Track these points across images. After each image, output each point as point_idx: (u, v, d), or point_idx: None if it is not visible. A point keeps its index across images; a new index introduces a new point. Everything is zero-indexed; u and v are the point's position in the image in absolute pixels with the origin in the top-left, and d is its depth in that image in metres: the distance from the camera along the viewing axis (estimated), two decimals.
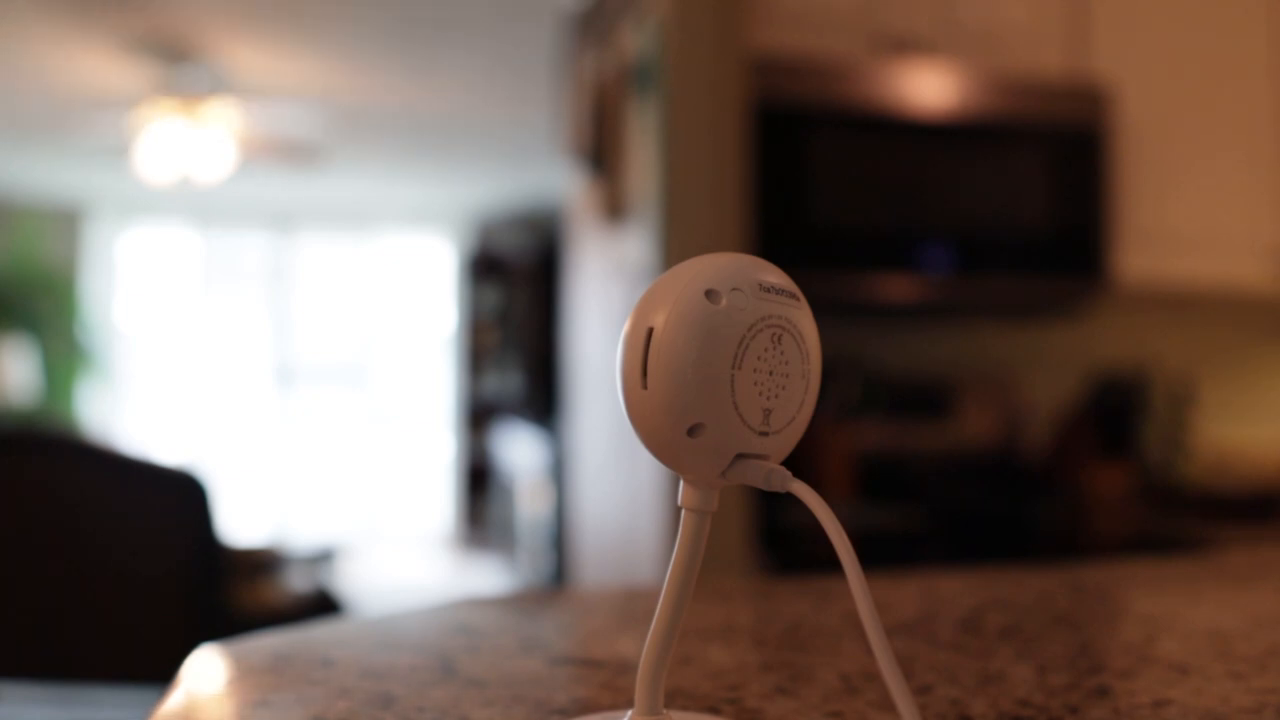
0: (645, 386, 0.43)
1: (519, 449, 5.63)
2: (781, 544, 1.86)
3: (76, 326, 6.18)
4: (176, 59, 3.90)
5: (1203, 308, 2.61)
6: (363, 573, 5.81)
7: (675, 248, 1.81)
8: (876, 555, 1.60)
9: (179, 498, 2.23)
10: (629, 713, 0.48)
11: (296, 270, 7.03)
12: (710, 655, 0.68)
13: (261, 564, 3.11)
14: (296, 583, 3.11)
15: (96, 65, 4.04)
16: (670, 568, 0.47)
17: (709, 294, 0.42)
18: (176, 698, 0.57)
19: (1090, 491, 2.27)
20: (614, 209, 2.13)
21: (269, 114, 4.22)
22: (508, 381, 6.61)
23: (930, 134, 2.04)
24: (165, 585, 2.22)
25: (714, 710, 0.56)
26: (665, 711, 0.48)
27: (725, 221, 1.82)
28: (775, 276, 0.44)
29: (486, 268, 6.90)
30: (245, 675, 0.62)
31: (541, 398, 5.85)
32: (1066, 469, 2.32)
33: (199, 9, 3.52)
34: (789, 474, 0.44)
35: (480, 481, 6.83)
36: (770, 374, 0.43)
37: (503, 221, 6.91)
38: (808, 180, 1.95)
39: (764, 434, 0.44)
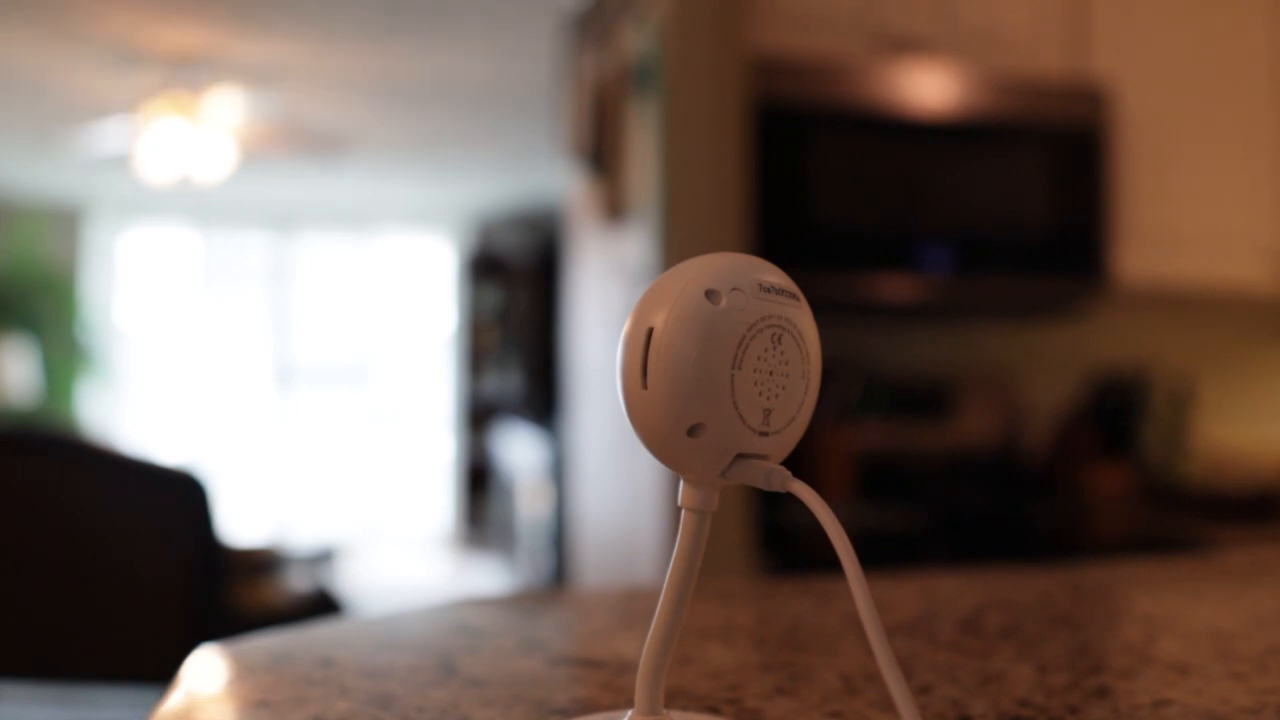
0: (645, 386, 0.43)
1: (519, 449, 5.63)
2: (781, 544, 1.86)
3: (76, 326, 6.18)
4: (176, 59, 3.90)
5: (1203, 308, 2.61)
6: (363, 573, 5.81)
7: (675, 248, 1.81)
8: (876, 555, 1.60)
9: (179, 498, 2.23)
10: (629, 713, 0.48)
11: (296, 270, 7.03)
12: (710, 655, 0.68)
13: (261, 564, 3.11)
14: (296, 583, 3.11)
15: (96, 65, 4.04)
16: (670, 568, 0.47)
17: (709, 294, 0.42)
18: (176, 698, 0.57)
19: (1090, 491, 2.27)
20: (614, 209, 2.13)
21: (269, 114, 4.23)
22: (508, 381, 6.61)
23: (930, 134, 2.04)
24: (165, 585, 2.22)
25: (714, 710, 0.56)
26: (665, 711, 0.48)
27: (725, 221, 1.82)
28: (775, 276, 0.44)
29: (486, 268, 6.90)
30: (245, 675, 0.62)
31: (541, 398, 5.85)
32: (1066, 469, 2.32)
33: (200, 9, 3.52)
34: (789, 474, 0.44)
35: (480, 481, 6.83)
36: (770, 374, 0.43)
37: (503, 221, 6.91)
38: (808, 180, 1.95)
39: (764, 434, 0.44)
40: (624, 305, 2.07)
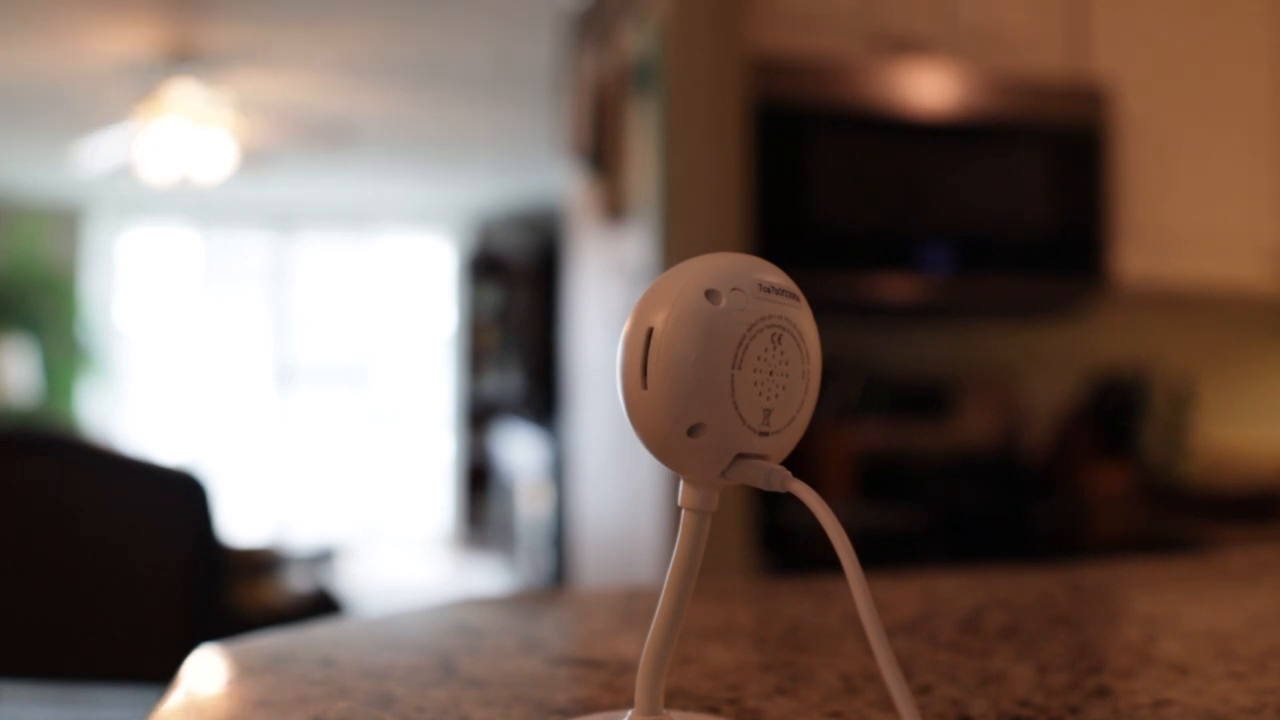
0: (645, 386, 0.43)
1: (519, 449, 5.63)
2: (781, 544, 1.86)
3: (76, 326, 6.18)
4: (176, 59, 3.90)
5: (1203, 308, 2.61)
6: (363, 573, 5.81)
7: (675, 248, 1.81)
8: (876, 555, 1.60)
9: (179, 498, 2.23)
10: (629, 713, 0.48)
11: (296, 270, 7.03)
12: (710, 655, 0.68)
13: (261, 564, 3.11)
14: (296, 583, 3.11)
15: (96, 64, 4.03)
16: (670, 568, 0.47)
17: (709, 294, 0.42)
18: (176, 698, 0.57)
19: (1090, 491, 2.27)
20: (614, 209, 2.13)
21: (269, 112, 4.22)
22: (508, 381, 6.61)
23: (930, 134, 2.04)
24: (165, 585, 2.22)
25: (714, 710, 0.56)
26: (665, 711, 0.48)
27: (725, 221, 1.82)
28: (775, 276, 0.44)
29: (486, 268, 6.90)
30: (245, 675, 0.62)
31: (541, 398, 5.85)
32: (1066, 469, 2.32)
33: (197, 8, 3.52)
34: (789, 474, 0.44)
35: (480, 481, 6.83)
36: (770, 374, 0.43)
37: (503, 221, 6.91)
38: (808, 180, 1.95)
39: (764, 434, 0.44)
40: (624, 305, 2.07)
